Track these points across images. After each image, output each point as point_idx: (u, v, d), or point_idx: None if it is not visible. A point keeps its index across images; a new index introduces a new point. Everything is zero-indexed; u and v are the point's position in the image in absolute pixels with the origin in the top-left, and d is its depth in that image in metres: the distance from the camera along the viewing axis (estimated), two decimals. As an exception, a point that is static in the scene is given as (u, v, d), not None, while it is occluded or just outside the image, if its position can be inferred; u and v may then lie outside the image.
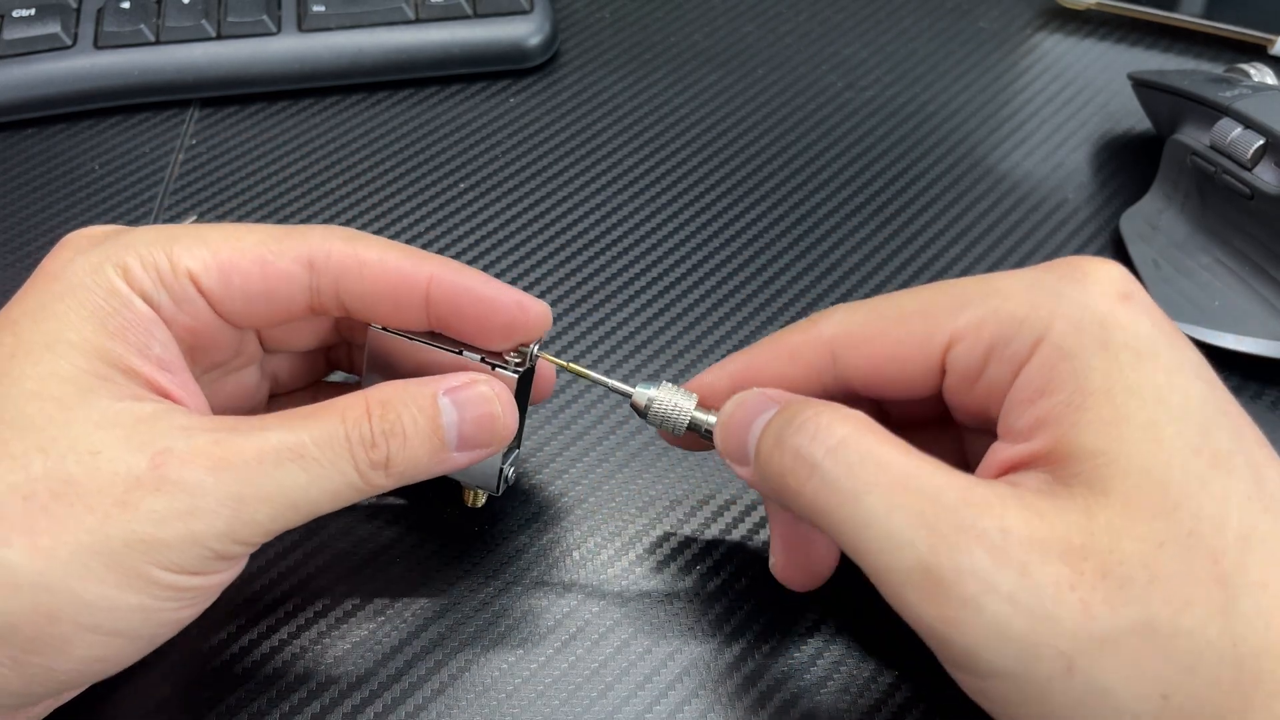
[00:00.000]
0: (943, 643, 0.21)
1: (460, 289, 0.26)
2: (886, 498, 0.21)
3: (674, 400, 0.27)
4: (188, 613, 0.24)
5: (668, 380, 0.28)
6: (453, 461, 0.26)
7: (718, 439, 0.27)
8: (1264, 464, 0.21)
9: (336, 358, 0.32)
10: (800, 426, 0.23)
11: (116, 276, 0.24)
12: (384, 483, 0.25)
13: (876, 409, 0.28)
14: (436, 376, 0.26)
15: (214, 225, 0.26)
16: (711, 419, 0.27)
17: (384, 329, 0.28)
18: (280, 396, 0.31)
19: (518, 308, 0.26)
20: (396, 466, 0.25)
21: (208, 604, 0.25)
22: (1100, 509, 0.21)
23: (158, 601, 0.23)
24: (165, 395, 0.24)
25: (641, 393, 0.28)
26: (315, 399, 0.31)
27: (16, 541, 0.21)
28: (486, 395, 0.26)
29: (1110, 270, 0.23)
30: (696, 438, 0.28)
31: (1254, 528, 0.20)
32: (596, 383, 0.28)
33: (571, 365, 0.29)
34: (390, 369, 0.28)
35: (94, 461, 0.22)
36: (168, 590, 0.23)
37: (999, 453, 0.23)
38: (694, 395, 0.28)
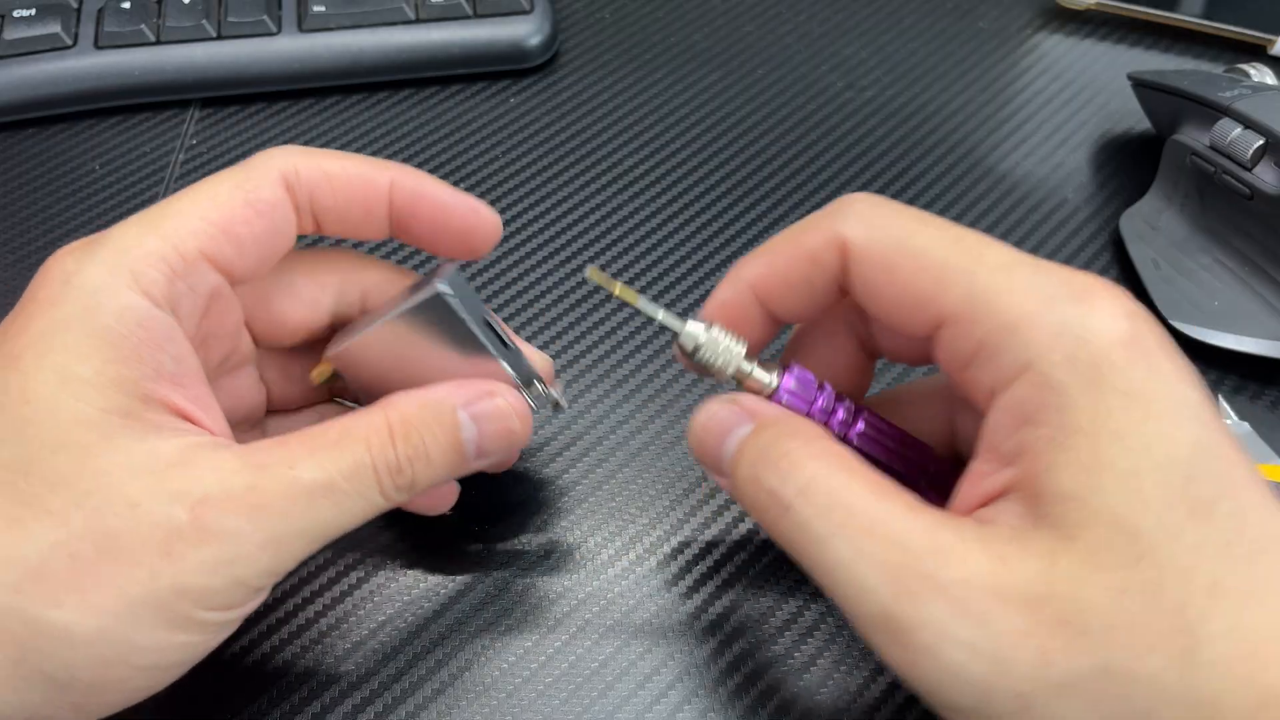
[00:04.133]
0: (907, 681, 0.22)
1: (419, 194, 0.27)
2: (853, 543, 0.22)
3: (726, 345, 0.25)
4: (224, 635, 0.25)
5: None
6: (468, 469, 0.27)
7: (692, 446, 0.26)
8: (1252, 508, 0.21)
9: (339, 388, 0.31)
10: (773, 464, 0.23)
11: (127, 289, 0.23)
12: (404, 500, 0.25)
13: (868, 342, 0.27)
14: (453, 386, 0.26)
15: (181, 194, 0.25)
16: (755, 373, 0.25)
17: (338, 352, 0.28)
18: (279, 415, 0.31)
19: (472, 212, 0.28)
20: (419, 486, 0.25)
21: (239, 625, 0.25)
22: (1063, 555, 0.21)
23: (202, 636, 0.24)
24: (185, 416, 0.24)
25: (692, 331, 0.25)
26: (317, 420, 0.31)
27: (67, 601, 0.21)
28: (504, 410, 0.26)
29: (1118, 302, 0.22)
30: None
31: (1225, 577, 0.20)
32: (642, 310, 0.26)
33: (618, 286, 0.26)
34: (374, 365, 0.28)
35: (133, 514, 0.22)
36: (211, 626, 0.23)
37: (980, 478, 0.23)
38: (744, 341, 0.26)
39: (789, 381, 0.25)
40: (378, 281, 0.29)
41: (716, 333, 0.25)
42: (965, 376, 0.23)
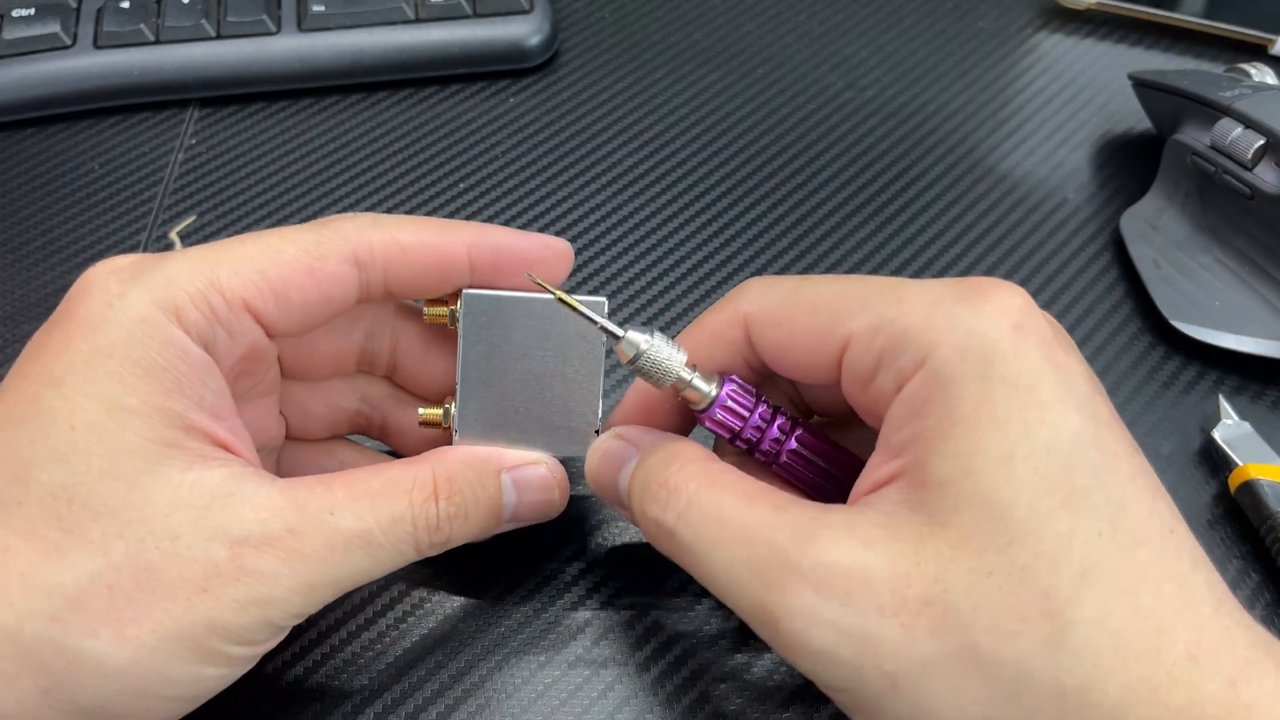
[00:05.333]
0: (796, 668, 0.23)
1: (499, 249, 0.27)
2: (728, 551, 0.23)
3: (667, 353, 0.25)
4: (245, 669, 0.25)
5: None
6: (496, 531, 0.27)
7: (591, 486, 0.28)
8: (1131, 500, 0.21)
9: (363, 423, 0.31)
10: (654, 495, 0.25)
11: (169, 322, 0.23)
12: (433, 554, 0.26)
13: (798, 395, 0.28)
14: (498, 450, 0.27)
15: (246, 239, 0.25)
16: (695, 382, 0.25)
17: (478, 290, 0.27)
18: (293, 443, 0.30)
19: (546, 248, 0.28)
20: (452, 544, 0.26)
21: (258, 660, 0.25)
22: (931, 538, 0.21)
23: (228, 669, 0.24)
24: (225, 447, 0.24)
25: (634, 339, 0.25)
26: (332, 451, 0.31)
27: (103, 632, 0.22)
28: (547, 480, 0.28)
29: (1011, 298, 0.23)
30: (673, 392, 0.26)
31: (1096, 564, 0.20)
32: (583, 315, 0.25)
33: (559, 293, 0.25)
34: (491, 329, 0.27)
35: (173, 547, 0.22)
36: (236, 660, 0.24)
37: (872, 469, 0.24)
38: (684, 351, 0.25)
39: (727, 392, 0.26)
40: (409, 323, 0.29)
41: (658, 341, 0.25)
42: (869, 393, 0.24)
